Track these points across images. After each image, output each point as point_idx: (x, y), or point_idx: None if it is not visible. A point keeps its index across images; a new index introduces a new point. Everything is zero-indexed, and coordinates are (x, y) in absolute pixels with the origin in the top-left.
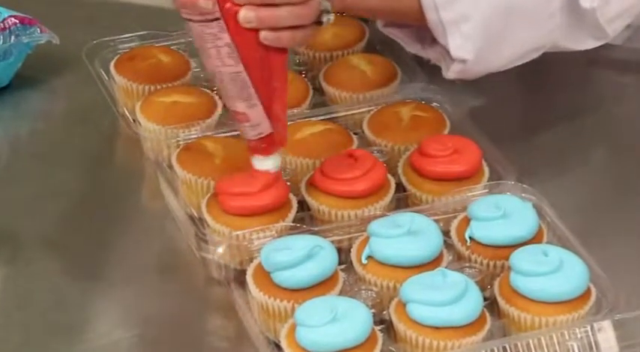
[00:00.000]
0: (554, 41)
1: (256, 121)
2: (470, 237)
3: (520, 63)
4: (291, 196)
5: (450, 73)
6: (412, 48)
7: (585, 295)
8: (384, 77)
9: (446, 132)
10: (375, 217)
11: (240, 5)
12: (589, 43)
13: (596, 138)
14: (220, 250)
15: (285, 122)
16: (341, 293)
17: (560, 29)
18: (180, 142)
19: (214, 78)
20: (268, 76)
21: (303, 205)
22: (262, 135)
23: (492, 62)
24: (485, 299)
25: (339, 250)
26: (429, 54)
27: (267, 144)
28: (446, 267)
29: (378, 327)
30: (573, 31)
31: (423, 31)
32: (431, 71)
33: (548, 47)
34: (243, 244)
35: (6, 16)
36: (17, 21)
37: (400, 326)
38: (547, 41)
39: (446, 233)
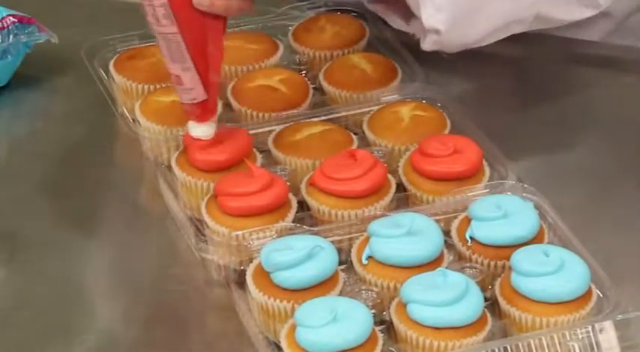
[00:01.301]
0: (537, 12)
1: (189, 85)
2: (470, 237)
3: (502, 36)
4: (291, 196)
5: (426, 44)
6: (395, 23)
7: (586, 295)
8: (384, 76)
9: (446, 131)
10: (376, 217)
11: None
12: (578, 13)
13: (597, 139)
14: (220, 251)
15: (217, 88)
16: (341, 293)
17: None
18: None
19: (156, 39)
20: (203, 42)
21: (303, 205)
22: (196, 101)
23: (468, 34)
24: (486, 299)
25: (340, 250)
26: (411, 28)
27: (201, 111)
28: (446, 267)
29: (379, 328)
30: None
31: (407, 7)
32: (431, 71)
33: (532, 20)
34: (243, 244)
35: (4, 15)
36: (16, 20)
37: (401, 327)
38: (530, 12)
39: (446, 233)
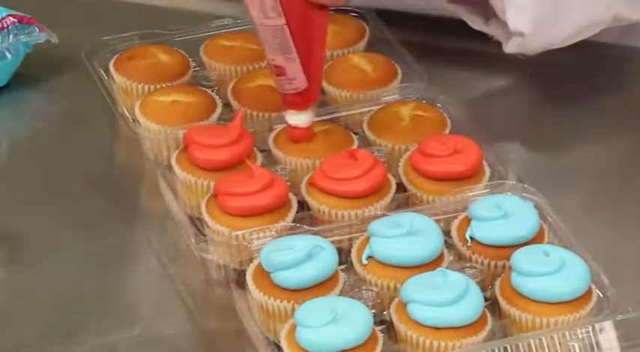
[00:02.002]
0: (615, 13)
1: (292, 75)
2: (471, 237)
3: (580, 38)
4: (291, 196)
5: (509, 46)
6: (475, 23)
7: (586, 295)
8: (385, 76)
9: (446, 131)
10: (376, 217)
11: None
12: None
13: (597, 138)
14: (220, 251)
15: (321, 78)
16: (341, 293)
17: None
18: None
19: (256, 29)
20: (309, 32)
21: (303, 205)
22: (297, 90)
23: (550, 36)
24: (486, 299)
25: (340, 250)
26: (491, 30)
27: (302, 99)
28: (447, 267)
29: (379, 328)
30: (635, 1)
31: (486, 7)
32: (431, 71)
33: (609, 21)
34: (243, 244)
35: (4, 15)
36: (16, 20)
37: (401, 327)
38: (607, 14)
39: (446, 233)
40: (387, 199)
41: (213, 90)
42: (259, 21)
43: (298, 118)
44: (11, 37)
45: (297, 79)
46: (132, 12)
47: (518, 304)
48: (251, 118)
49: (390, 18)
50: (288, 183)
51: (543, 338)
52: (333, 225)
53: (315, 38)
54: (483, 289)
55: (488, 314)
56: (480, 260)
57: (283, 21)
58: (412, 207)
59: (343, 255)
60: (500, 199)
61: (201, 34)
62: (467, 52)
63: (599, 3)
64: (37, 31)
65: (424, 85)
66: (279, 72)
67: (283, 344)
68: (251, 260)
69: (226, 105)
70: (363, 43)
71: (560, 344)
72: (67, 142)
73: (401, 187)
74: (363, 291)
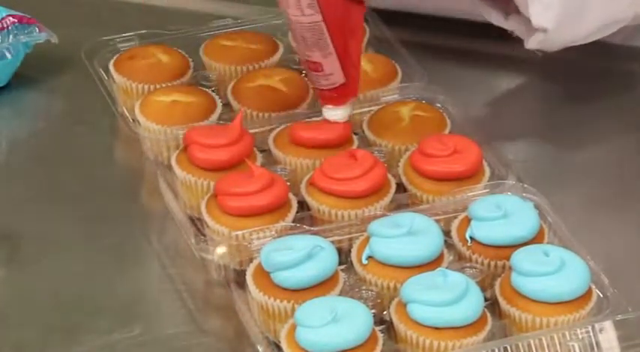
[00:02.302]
0: (636, 12)
1: (329, 71)
2: (471, 237)
3: (601, 36)
4: (291, 196)
5: (531, 43)
6: (494, 18)
7: (586, 295)
8: (385, 76)
9: (446, 131)
10: (376, 217)
11: None
12: None
13: (597, 139)
14: (220, 251)
15: (359, 73)
16: (341, 293)
17: None
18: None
19: (291, 26)
20: (344, 27)
21: (303, 205)
22: (334, 85)
23: (573, 33)
24: (486, 299)
25: (340, 250)
26: (511, 25)
27: (339, 95)
28: (446, 267)
29: (379, 328)
30: None
31: (507, 1)
32: (431, 70)
33: (629, 19)
34: (243, 244)
35: (4, 15)
36: (15, 20)
37: (401, 327)
38: (629, 12)
39: (446, 233)
40: (387, 199)
41: (213, 90)
42: (296, 19)
43: (336, 113)
44: (11, 37)
45: (334, 74)
46: (132, 12)
47: (518, 304)
48: (251, 118)
49: (390, 18)
50: (288, 183)
51: (543, 338)
52: (333, 225)
53: (352, 33)
54: (483, 289)
55: (488, 314)
56: (480, 260)
57: (320, 17)
58: (412, 207)
59: (343, 255)
60: (500, 199)
61: (201, 34)
62: (467, 52)
63: (621, 1)
64: (37, 31)
65: (424, 85)
66: (315, 68)
67: (283, 344)
68: (251, 260)
69: (226, 105)
70: (362, 43)
71: (560, 344)
72: (67, 142)
73: (401, 187)
74: (363, 291)
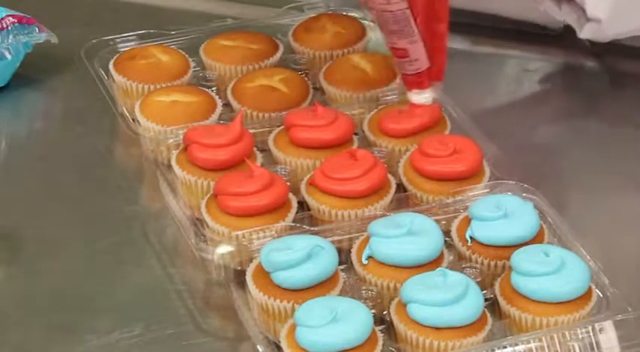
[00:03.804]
0: None
1: (415, 56)
2: (471, 237)
3: None
4: (291, 196)
5: (584, 32)
6: (549, 8)
7: (586, 295)
8: (385, 76)
9: (446, 132)
10: (376, 217)
11: None
12: None
13: (597, 138)
14: (220, 251)
15: (445, 57)
16: (341, 293)
17: None
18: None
19: (376, 16)
20: (430, 13)
21: (303, 205)
22: (420, 70)
23: (626, 25)
24: (486, 299)
25: (340, 250)
26: (564, 14)
27: (424, 79)
28: (446, 267)
29: (379, 327)
30: None
31: None
32: None
33: None
34: (243, 244)
35: (4, 15)
36: (15, 20)
37: (401, 327)
38: None
39: (446, 233)
40: (387, 199)
41: (213, 90)
42: (382, 7)
43: (422, 97)
44: (11, 37)
45: (419, 59)
46: (132, 12)
47: (518, 304)
48: (251, 118)
49: None
50: (288, 183)
51: (543, 338)
52: (333, 225)
53: (438, 17)
54: (483, 289)
55: (488, 314)
56: (479, 260)
57: (405, 5)
58: (412, 207)
59: (343, 255)
60: (500, 199)
61: (201, 34)
62: (467, 52)
63: None
64: (37, 31)
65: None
66: (401, 54)
67: (283, 344)
68: (251, 260)
69: (226, 105)
70: (363, 43)
71: (560, 344)
72: (67, 142)
73: (401, 187)
74: (363, 291)
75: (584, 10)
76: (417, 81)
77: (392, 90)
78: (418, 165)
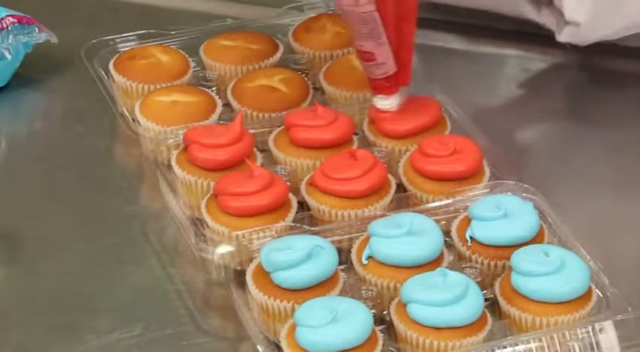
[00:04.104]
0: None
1: (382, 60)
2: (471, 237)
3: (631, 33)
4: (291, 196)
5: (563, 36)
6: (527, 11)
7: (586, 295)
8: None
9: (446, 132)
10: (376, 217)
11: None
12: None
13: (597, 138)
14: (220, 251)
15: (411, 58)
16: (341, 293)
17: None
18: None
19: (345, 17)
20: (397, 16)
21: (303, 205)
22: (387, 74)
23: (604, 28)
24: (486, 299)
25: (340, 250)
26: (543, 18)
27: (391, 84)
28: (446, 267)
29: (379, 327)
30: None
31: None
32: (431, 70)
33: None
34: (243, 244)
35: (4, 15)
36: (15, 20)
37: (401, 327)
38: None
39: (446, 233)
40: (387, 199)
41: (213, 91)
42: (350, 8)
43: (387, 102)
44: (11, 37)
45: (386, 63)
46: (132, 12)
47: (518, 304)
48: (251, 118)
49: None
50: (288, 183)
51: (543, 338)
52: (333, 225)
53: (405, 19)
54: (483, 289)
55: (488, 314)
56: (479, 260)
57: (373, 7)
58: (412, 207)
59: (343, 255)
60: (500, 199)
61: (201, 34)
62: (467, 52)
63: None
64: (37, 31)
65: (424, 85)
66: (368, 58)
67: (283, 344)
68: (251, 260)
69: (226, 105)
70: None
71: (560, 344)
72: (67, 142)
73: (401, 187)
74: (363, 291)
75: (562, 14)
76: (384, 85)
77: None
78: (418, 165)
